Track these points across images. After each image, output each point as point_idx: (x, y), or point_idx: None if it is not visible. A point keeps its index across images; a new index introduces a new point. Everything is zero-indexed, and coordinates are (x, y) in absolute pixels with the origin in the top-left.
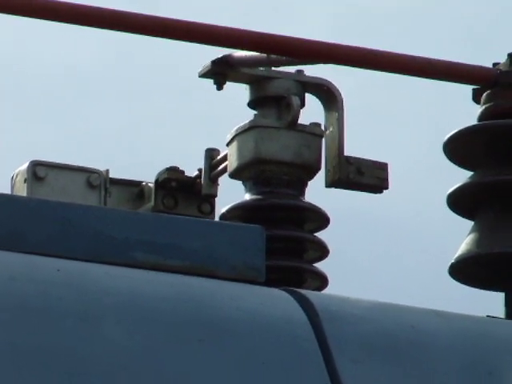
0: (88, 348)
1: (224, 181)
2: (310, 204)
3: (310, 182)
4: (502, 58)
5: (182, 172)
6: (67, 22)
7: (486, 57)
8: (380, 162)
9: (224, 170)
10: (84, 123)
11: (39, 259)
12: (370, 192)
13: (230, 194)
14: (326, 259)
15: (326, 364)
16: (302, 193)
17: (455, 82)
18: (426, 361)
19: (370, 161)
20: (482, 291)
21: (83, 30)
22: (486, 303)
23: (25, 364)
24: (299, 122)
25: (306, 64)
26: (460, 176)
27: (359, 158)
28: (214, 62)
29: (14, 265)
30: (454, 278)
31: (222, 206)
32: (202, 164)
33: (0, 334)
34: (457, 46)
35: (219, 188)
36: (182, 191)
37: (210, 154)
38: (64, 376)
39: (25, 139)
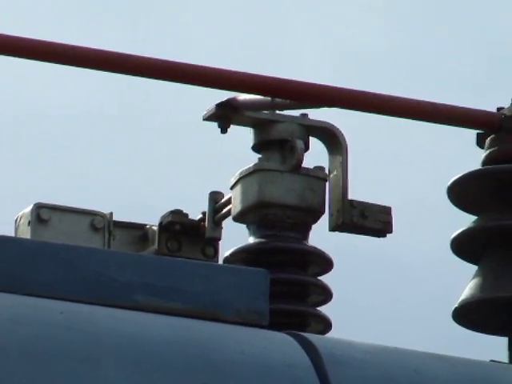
0: None
1: (228, 224)
2: (314, 247)
3: (313, 226)
4: (506, 103)
5: (186, 215)
6: (69, 65)
7: (489, 101)
8: (384, 206)
9: (228, 214)
10: (87, 165)
11: (42, 301)
12: (374, 236)
13: (234, 237)
14: (330, 303)
15: None
16: (306, 236)
17: (459, 126)
18: None
19: (373, 204)
20: (486, 335)
21: (85, 72)
22: (491, 347)
23: None
24: (303, 165)
25: (310, 108)
26: (464, 218)
27: (363, 202)
28: (218, 106)
29: (17, 307)
30: (457, 323)
31: (226, 249)
32: (205, 207)
33: (1, 376)
34: (459, 90)
35: (223, 231)
36: (185, 234)
37: (214, 197)
38: None
39: (28, 182)
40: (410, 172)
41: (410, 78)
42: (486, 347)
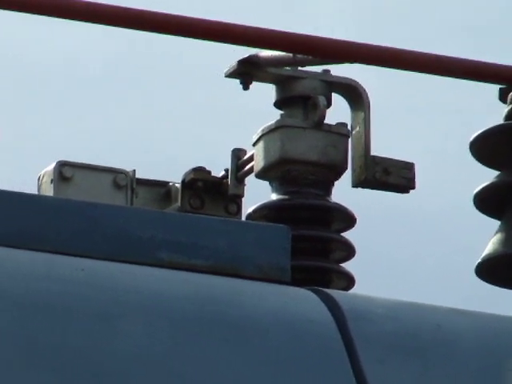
0: (110, 347)
1: (251, 181)
2: (337, 204)
3: (336, 183)
4: None
5: (209, 172)
6: (85, 21)
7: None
8: (407, 162)
9: (250, 170)
10: (109, 123)
11: (64, 259)
12: (397, 192)
13: (257, 194)
14: (353, 259)
15: (352, 364)
16: (329, 193)
17: (481, 81)
18: (452, 360)
19: (396, 160)
20: (510, 291)
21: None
22: None
23: (45, 363)
24: (325, 121)
25: (332, 63)
26: (488, 173)
27: (386, 158)
28: (240, 62)
29: (39, 264)
30: (480, 278)
31: (248, 206)
32: (228, 164)
33: (22, 332)
34: (474, 44)
35: (246, 188)
36: (208, 192)
37: (237, 154)
38: (85, 375)
39: (50, 139)
40: (433, 127)
41: (429, 30)
42: (510, 303)
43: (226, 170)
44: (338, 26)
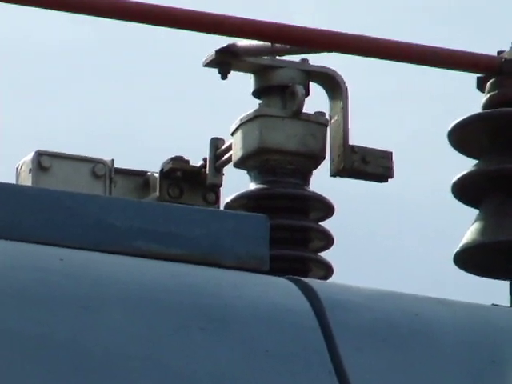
0: (89, 337)
1: (229, 170)
2: (315, 193)
3: (314, 172)
4: (506, 46)
5: (187, 162)
6: (68, 11)
7: (490, 44)
8: (385, 151)
9: (229, 160)
10: (88, 112)
11: (42, 248)
12: (375, 181)
13: (235, 183)
14: (331, 248)
15: (330, 352)
16: (307, 182)
17: (459, 70)
18: (430, 349)
19: (374, 150)
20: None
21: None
22: (493, 291)
23: (26, 353)
24: (304, 111)
25: (310, 53)
26: (466, 162)
27: (364, 147)
28: (218, 52)
29: (17, 254)
30: (459, 267)
31: (227, 195)
32: (207, 154)
33: (1, 322)
34: (459, 33)
35: (224, 177)
36: (187, 181)
37: (215, 143)
38: (65, 364)
39: (30, 129)
40: (412, 115)
41: (408, 17)
42: (488, 291)
43: (205, 160)
44: (315, 14)
